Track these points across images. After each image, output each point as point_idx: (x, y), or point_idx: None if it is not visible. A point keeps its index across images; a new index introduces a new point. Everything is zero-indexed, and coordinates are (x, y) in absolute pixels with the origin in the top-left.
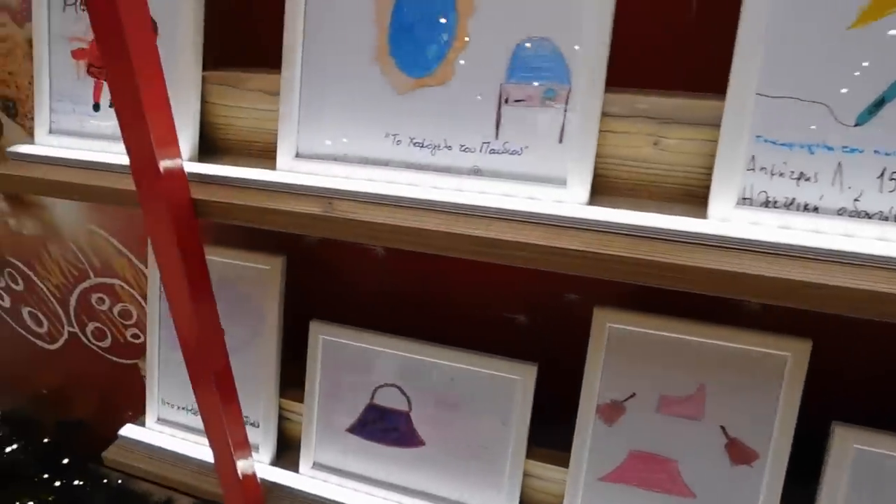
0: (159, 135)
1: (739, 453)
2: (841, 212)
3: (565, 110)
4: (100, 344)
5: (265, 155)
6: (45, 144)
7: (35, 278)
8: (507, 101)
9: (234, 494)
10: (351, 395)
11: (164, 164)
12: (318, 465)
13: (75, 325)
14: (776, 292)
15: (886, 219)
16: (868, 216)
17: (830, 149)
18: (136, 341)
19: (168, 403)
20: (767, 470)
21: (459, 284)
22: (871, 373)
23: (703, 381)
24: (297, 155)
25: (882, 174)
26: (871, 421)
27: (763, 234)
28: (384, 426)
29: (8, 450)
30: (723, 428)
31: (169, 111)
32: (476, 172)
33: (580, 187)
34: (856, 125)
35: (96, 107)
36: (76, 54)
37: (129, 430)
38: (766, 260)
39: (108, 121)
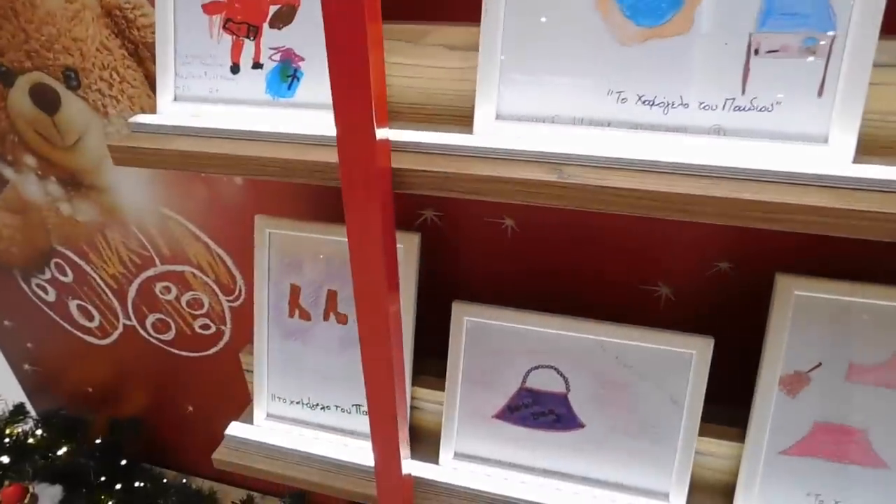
0: (377, 98)
1: None
2: None
3: (828, 60)
4: (161, 336)
5: (441, 120)
6: (171, 113)
7: (87, 268)
8: (756, 51)
9: (393, 495)
10: (498, 380)
11: (380, 133)
12: (460, 455)
13: (133, 317)
14: None
15: None
16: None
17: None
18: (206, 332)
19: (279, 398)
20: None
21: (598, 256)
22: None
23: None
24: (498, 116)
25: None
26: None
27: None
28: (537, 410)
29: (59, 453)
30: None
31: (383, 72)
32: (718, 132)
33: (845, 145)
34: None
35: (234, 68)
36: (209, 8)
37: (237, 429)
38: None
39: (251, 83)
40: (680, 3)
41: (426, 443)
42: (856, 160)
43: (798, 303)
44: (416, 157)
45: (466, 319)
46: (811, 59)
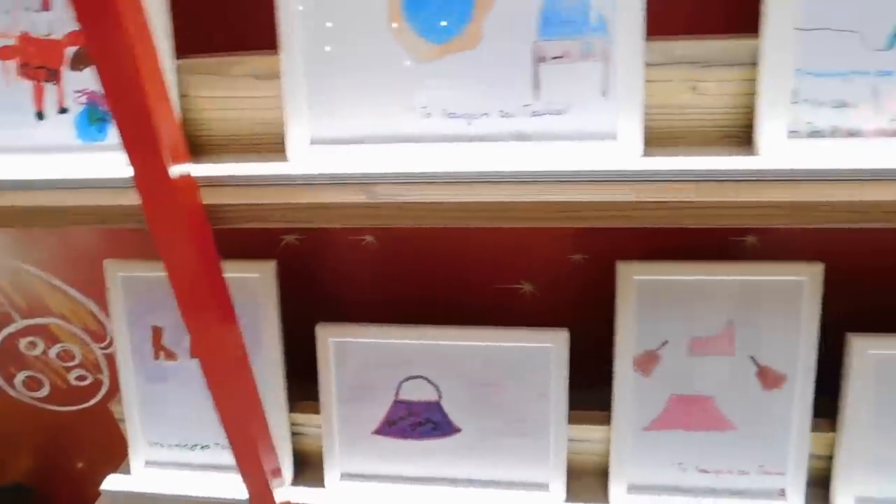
0: (166, 135)
1: (770, 379)
2: (882, 132)
3: (606, 63)
4: (35, 394)
5: (255, 149)
6: None
7: None
8: (543, 59)
9: None
10: (372, 396)
11: (174, 170)
12: (346, 476)
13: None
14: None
15: None
16: None
17: (866, 74)
18: (83, 383)
19: (158, 444)
20: (797, 390)
21: (459, 262)
22: (883, 284)
23: (730, 318)
24: (312, 141)
25: None
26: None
27: (821, 163)
28: (414, 420)
29: None
30: (752, 358)
31: (170, 106)
32: (520, 137)
33: (633, 140)
34: (887, 49)
35: (39, 115)
36: (2, 53)
37: (113, 483)
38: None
39: (59, 129)
40: (467, 19)
41: (314, 467)
42: (645, 153)
43: (639, 286)
44: (233, 191)
45: (331, 341)
46: (591, 62)
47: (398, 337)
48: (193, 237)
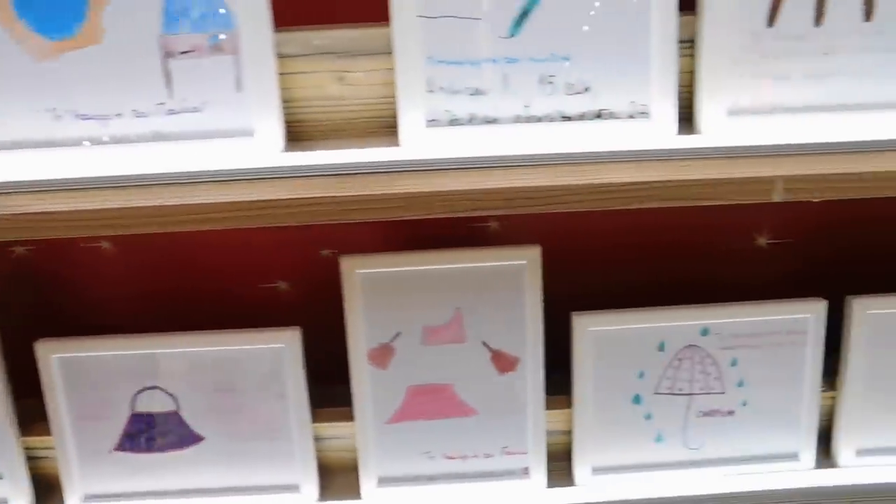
0: None
1: (504, 363)
2: (517, 119)
3: (236, 56)
4: None
5: None
6: None
7: None
8: (171, 54)
9: None
10: (108, 411)
11: None
12: (91, 497)
13: None
14: (500, 202)
15: (553, 119)
16: (539, 120)
17: (495, 61)
18: None
19: None
20: (529, 371)
21: (204, 264)
22: (606, 262)
23: (457, 305)
24: None
25: (541, 79)
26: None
27: (463, 151)
28: (154, 433)
29: None
30: (485, 343)
31: None
32: (158, 137)
33: (270, 135)
34: (510, 36)
35: None
36: None
37: None
38: (470, 174)
39: None
40: (84, 12)
41: (56, 491)
42: (289, 147)
43: (365, 280)
44: None
45: (55, 357)
46: (221, 56)
47: (128, 348)
48: None
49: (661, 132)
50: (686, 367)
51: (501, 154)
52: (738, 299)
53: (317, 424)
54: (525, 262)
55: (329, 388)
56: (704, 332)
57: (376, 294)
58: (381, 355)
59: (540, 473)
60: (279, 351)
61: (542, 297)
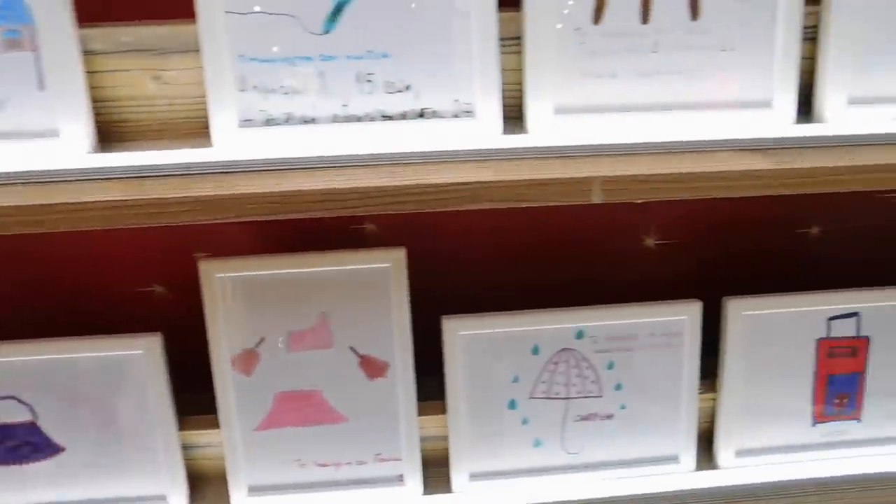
0: None
1: (373, 368)
2: (336, 119)
3: (37, 52)
4: None
5: None
6: None
7: None
8: None
9: None
10: None
11: None
12: None
13: None
14: (317, 203)
15: (374, 119)
16: (358, 119)
17: (310, 59)
18: None
19: None
20: (399, 376)
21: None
22: (469, 263)
23: (323, 310)
24: None
25: (358, 78)
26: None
27: (279, 152)
28: (10, 444)
29: None
30: (352, 349)
31: None
32: None
33: (77, 136)
34: (325, 33)
35: None
36: None
37: None
38: (286, 175)
39: None
40: None
41: None
42: (101, 149)
43: (225, 284)
44: None
45: None
46: (20, 52)
47: None
48: None
49: (486, 131)
50: (562, 371)
51: (319, 155)
52: (624, 301)
53: (185, 432)
54: (389, 265)
55: (202, 395)
56: (579, 335)
57: (238, 298)
58: (246, 361)
59: (415, 480)
60: (139, 357)
61: (409, 300)
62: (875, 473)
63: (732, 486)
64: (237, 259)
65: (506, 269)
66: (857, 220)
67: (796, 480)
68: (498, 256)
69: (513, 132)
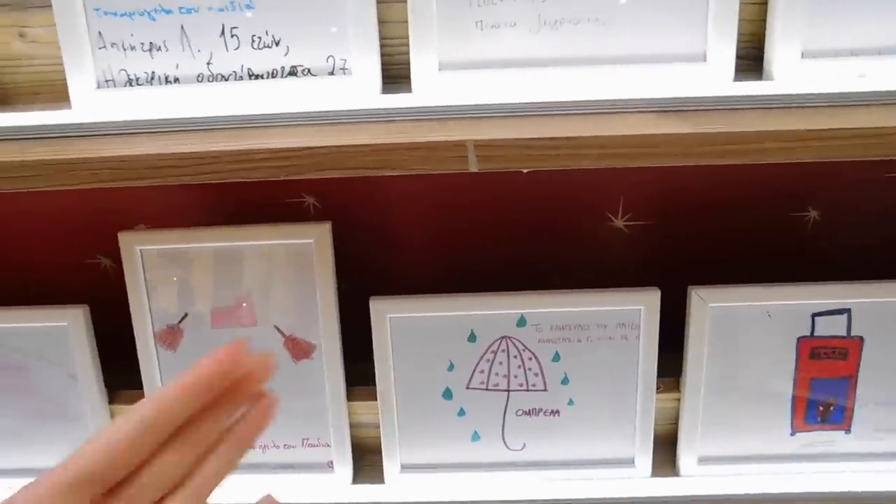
0: None
1: (298, 349)
2: (200, 78)
3: None
4: None
5: None
6: None
7: None
8: None
9: None
10: None
11: None
12: None
13: None
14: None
15: (241, 78)
16: (224, 78)
17: (169, 12)
18: None
19: None
20: (326, 358)
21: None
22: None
23: (246, 287)
24: None
25: (223, 32)
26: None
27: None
28: None
29: None
30: (277, 328)
31: None
32: None
33: None
34: None
35: None
36: None
37: None
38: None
39: None
40: None
41: None
42: None
43: (146, 258)
44: None
45: None
46: None
47: None
48: None
49: (363, 91)
50: (501, 361)
51: (181, 117)
52: (586, 286)
53: (115, 406)
54: (312, 241)
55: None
56: (521, 322)
57: (157, 271)
58: (170, 336)
59: (345, 468)
60: (65, 329)
61: (334, 278)
62: (864, 492)
63: (693, 495)
64: (158, 231)
65: (453, 248)
66: (861, 204)
67: (767, 494)
68: (445, 233)
69: (398, 92)
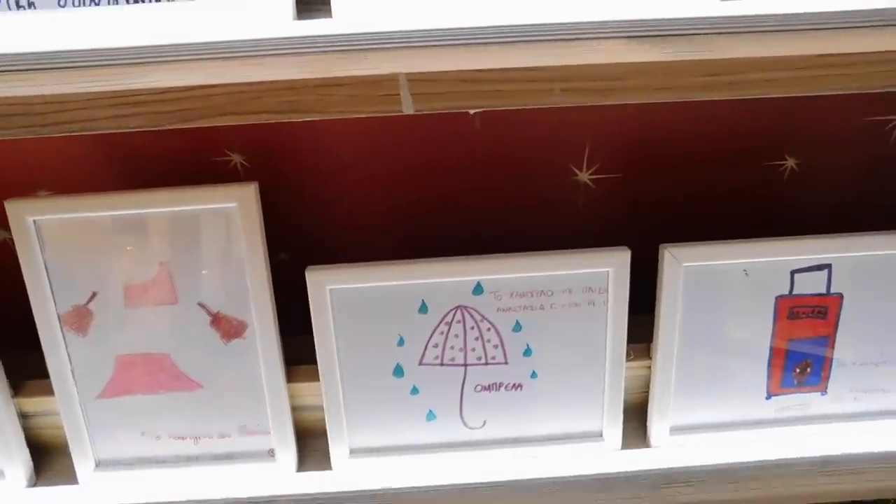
0: None
1: (227, 328)
2: (62, 2)
3: None
4: None
5: None
6: None
7: None
8: None
9: None
10: None
11: None
12: None
13: None
14: None
15: (118, 1)
16: (95, 2)
17: None
18: None
19: None
20: (259, 337)
21: None
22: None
23: (162, 259)
24: None
25: None
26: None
27: None
28: None
29: None
30: (202, 305)
31: None
32: None
33: None
34: None
35: None
36: None
37: None
38: None
39: None
40: None
41: None
42: None
43: (42, 229)
44: None
45: None
46: None
47: None
48: None
49: (272, 16)
50: (456, 333)
51: (40, 50)
52: (548, 248)
53: (21, 399)
54: (236, 205)
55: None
56: (477, 289)
57: (60, 246)
58: (78, 318)
59: (288, 455)
60: None
61: (264, 247)
62: (841, 455)
63: (666, 468)
64: (54, 198)
65: (401, 210)
66: (840, 151)
67: (743, 463)
68: (392, 193)
69: (314, 17)
